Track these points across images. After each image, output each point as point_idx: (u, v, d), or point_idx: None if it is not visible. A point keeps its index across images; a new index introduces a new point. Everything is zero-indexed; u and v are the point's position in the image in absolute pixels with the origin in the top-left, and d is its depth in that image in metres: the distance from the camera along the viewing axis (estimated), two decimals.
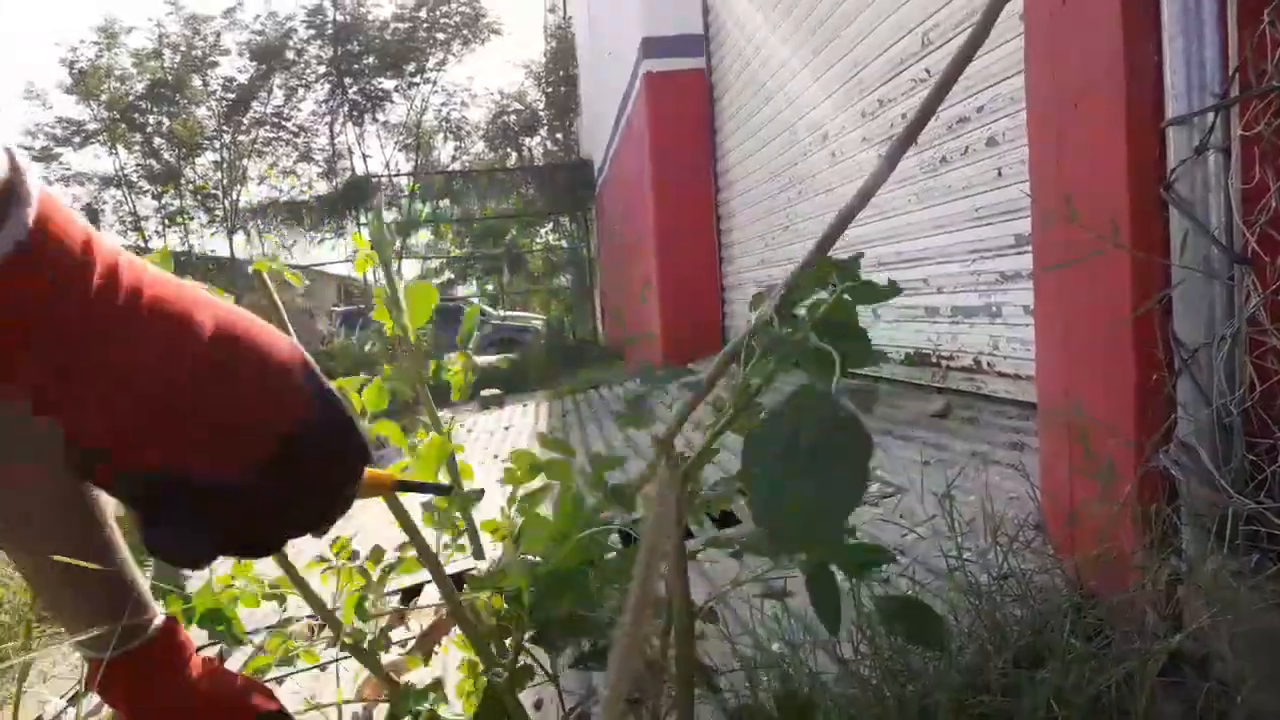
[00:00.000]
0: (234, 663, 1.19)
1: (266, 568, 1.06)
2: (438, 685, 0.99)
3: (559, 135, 22.83)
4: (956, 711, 1.09)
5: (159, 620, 0.73)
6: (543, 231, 23.09)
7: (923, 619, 1.03)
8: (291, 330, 1.03)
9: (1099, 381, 1.48)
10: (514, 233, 22.32)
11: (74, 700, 1.28)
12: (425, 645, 1.10)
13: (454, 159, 23.64)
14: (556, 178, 19.36)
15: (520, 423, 6.74)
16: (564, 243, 21.64)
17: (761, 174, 6.71)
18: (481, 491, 1.06)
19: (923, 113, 1.02)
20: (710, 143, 8.23)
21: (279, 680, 1.17)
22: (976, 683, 1.17)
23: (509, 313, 18.46)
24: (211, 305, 0.53)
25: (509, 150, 23.74)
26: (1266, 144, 1.12)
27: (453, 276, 23.53)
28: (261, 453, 0.52)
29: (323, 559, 1.00)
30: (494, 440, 5.99)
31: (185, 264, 15.80)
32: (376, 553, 1.00)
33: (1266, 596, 1.08)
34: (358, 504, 0.60)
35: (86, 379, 0.46)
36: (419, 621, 1.16)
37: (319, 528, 0.59)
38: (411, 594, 2.72)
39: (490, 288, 23.06)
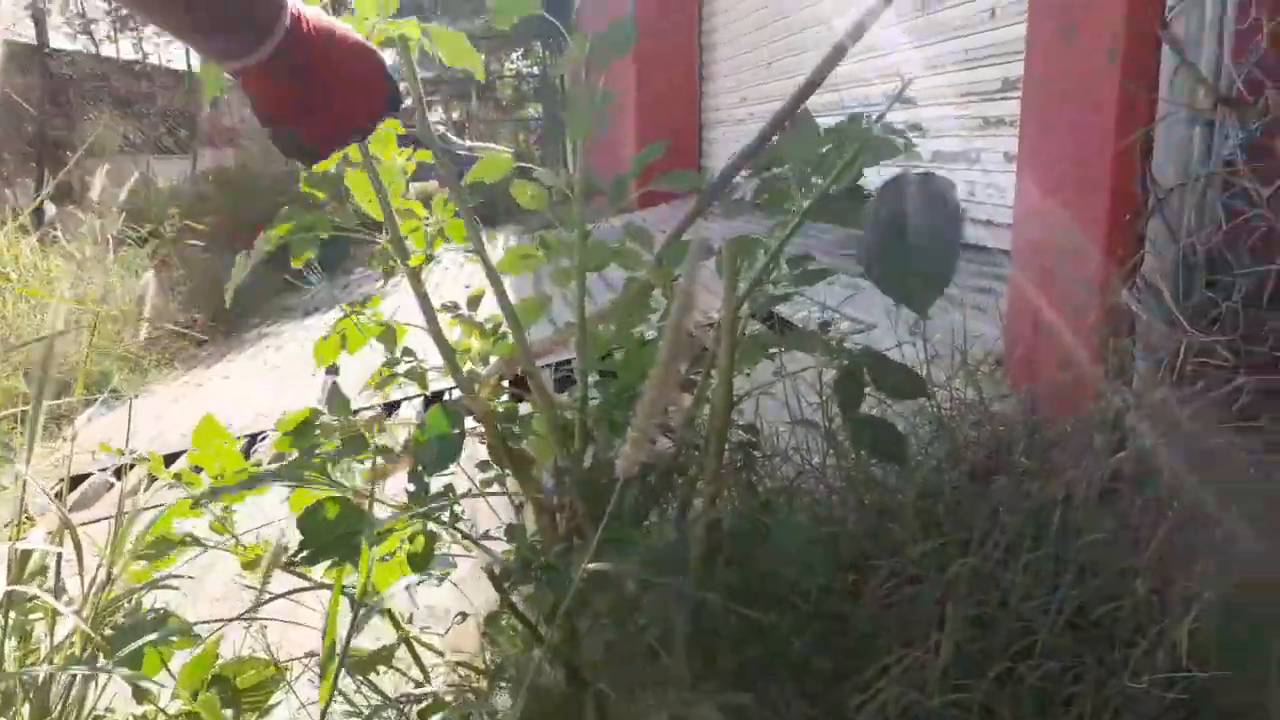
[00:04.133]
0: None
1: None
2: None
3: None
4: (913, 515, 1.19)
5: (289, 7, 0.74)
6: (514, 57, 22.24)
7: (887, 434, 1.12)
8: None
9: (1073, 219, 1.52)
10: (483, 57, 21.48)
11: None
12: (496, 373, 1.17)
13: None
14: None
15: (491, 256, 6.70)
16: (535, 70, 20.90)
17: (746, 6, 6.48)
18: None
19: None
20: None
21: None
22: (933, 492, 1.27)
23: (475, 143, 17.91)
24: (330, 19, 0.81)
25: None
26: None
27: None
28: (377, 107, 0.86)
29: (445, 306, 1.09)
30: (464, 272, 5.99)
31: (139, 73, 15.06)
32: (474, 298, 1.08)
33: (1206, 423, 1.17)
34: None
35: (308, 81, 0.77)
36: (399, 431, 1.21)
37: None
38: (392, 408, 2.81)
39: (456, 115, 22.33)
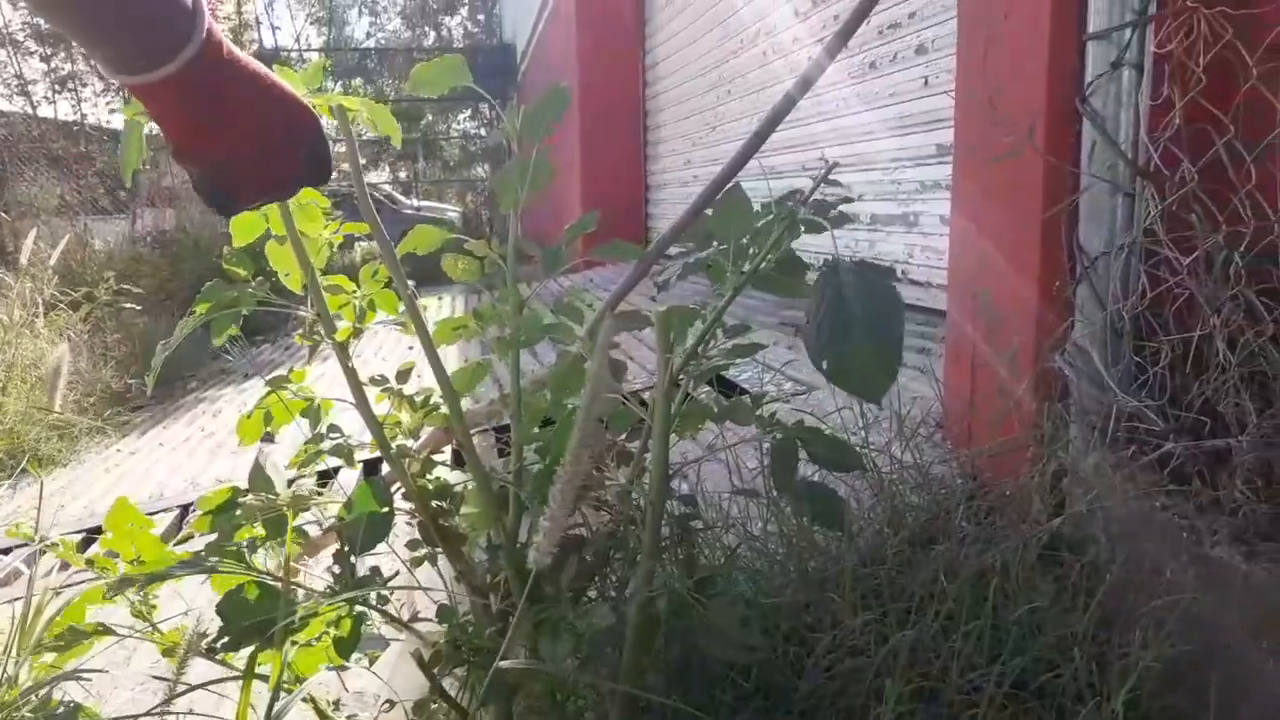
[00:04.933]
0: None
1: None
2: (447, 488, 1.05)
3: (480, 17, 22.00)
4: (854, 583, 1.18)
5: (206, 20, 0.68)
6: (460, 118, 22.42)
7: (827, 502, 1.11)
8: None
9: (1005, 285, 1.55)
10: (429, 117, 21.61)
11: None
12: (426, 448, 1.14)
13: (369, 36, 22.67)
14: (476, 61, 18.69)
15: (438, 316, 6.67)
16: (482, 131, 21.08)
17: (690, 70, 6.62)
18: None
19: (858, 11, 1.04)
20: (640, 35, 8.05)
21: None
22: (875, 558, 1.26)
23: (423, 203, 17.93)
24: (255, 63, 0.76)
25: (427, 29, 22.81)
26: (1176, 63, 1.17)
27: (364, 162, 22.73)
28: (314, 167, 0.81)
29: (374, 379, 1.07)
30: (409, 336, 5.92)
31: (77, 134, 14.85)
32: (403, 372, 1.06)
33: (1139, 487, 1.19)
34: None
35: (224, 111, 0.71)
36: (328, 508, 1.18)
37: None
38: (327, 476, 2.74)
39: (404, 175, 22.34)
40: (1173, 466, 1.15)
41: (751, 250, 0.97)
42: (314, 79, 0.95)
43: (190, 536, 1.17)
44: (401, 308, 1.12)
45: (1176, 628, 1.00)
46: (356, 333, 1.07)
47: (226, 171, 0.76)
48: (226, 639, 0.91)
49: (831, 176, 0.99)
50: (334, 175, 0.96)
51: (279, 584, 0.88)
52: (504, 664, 0.63)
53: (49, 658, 0.98)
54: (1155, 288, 1.23)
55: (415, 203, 17.11)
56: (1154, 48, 1.20)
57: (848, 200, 1.03)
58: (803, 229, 0.96)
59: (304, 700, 0.97)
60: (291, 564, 0.97)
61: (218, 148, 0.73)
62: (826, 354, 0.74)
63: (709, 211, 1.03)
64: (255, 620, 0.90)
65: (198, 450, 3.78)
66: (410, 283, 1.14)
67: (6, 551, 2.52)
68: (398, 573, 0.98)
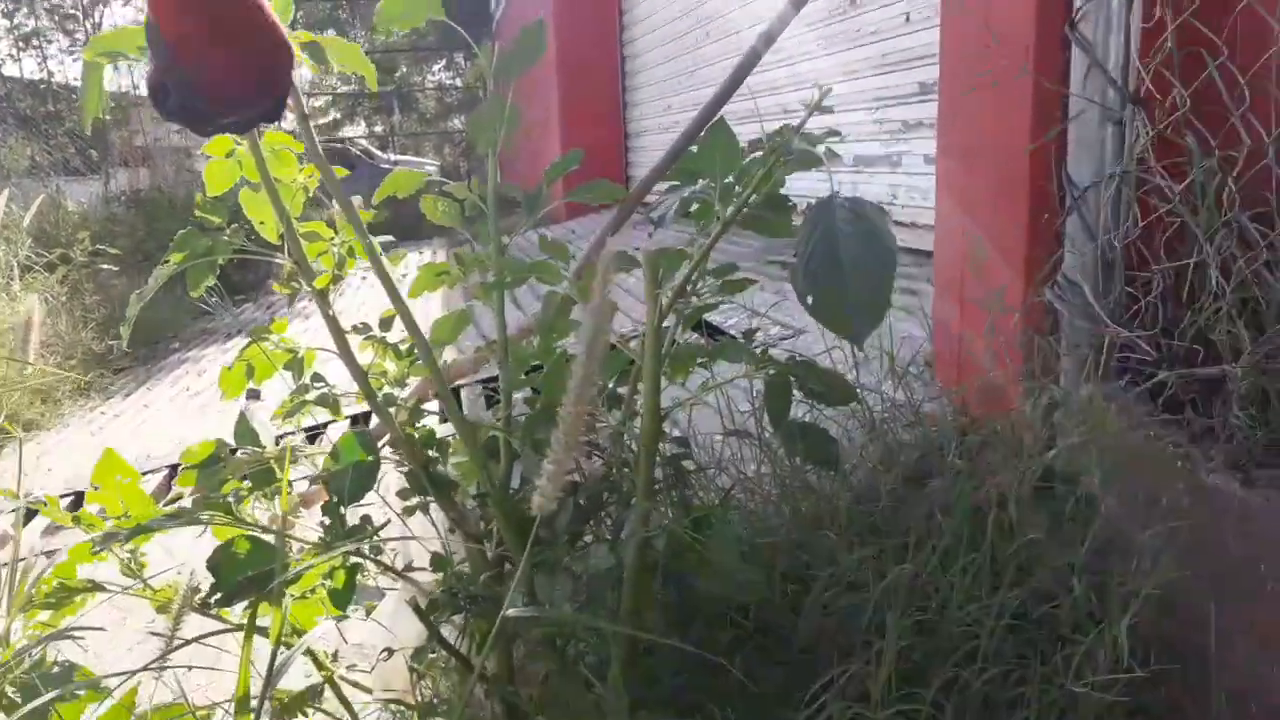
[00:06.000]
0: None
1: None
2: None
3: None
4: (849, 520, 1.18)
5: None
6: (435, 69, 22.05)
7: (820, 441, 1.11)
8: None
9: (993, 220, 1.54)
10: (404, 69, 21.24)
11: None
12: (413, 397, 1.13)
13: None
14: (450, 8, 18.30)
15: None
16: (458, 82, 20.76)
17: (669, 13, 6.50)
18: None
19: None
20: None
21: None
22: (868, 496, 1.26)
23: (400, 157, 17.66)
24: None
25: None
26: None
27: (339, 116, 22.34)
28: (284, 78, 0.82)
29: (356, 328, 1.06)
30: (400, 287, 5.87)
31: (44, 93, 14.53)
32: (386, 319, 1.05)
33: (1131, 418, 1.18)
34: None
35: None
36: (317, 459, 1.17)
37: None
38: (316, 432, 2.72)
39: (379, 128, 22.00)
40: (1166, 396, 1.15)
41: (738, 189, 0.95)
42: (284, 13, 0.92)
43: (179, 496, 1.16)
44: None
45: (1174, 556, 1.00)
46: (336, 280, 1.05)
47: (216, 81, 0.78)
48: (220, 594, 0.90)
49: (814, 114, 0.97)
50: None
51: (270, 537, 0.87)
52: (510, 612, 0.62)
53: (43, 616, 0.97)
54: (1146, 217, 1.22)
55: (392, 157, 16.84)
56: None
57: (835, 135, 1.01)
58: (793, 162, 0.93)
59: (302, 653, 0.97)
60: (285, 517, 0.96)
61: (214, 55, 0.76)
62: (814, 290, 0.73)
63: (693, 149, 1.01)
64: (247, 574, 0.89)
65: (184, 410, 3.75)
66: (388, 236, 1.11)
67: None
68: (389, 521, 0.97)
